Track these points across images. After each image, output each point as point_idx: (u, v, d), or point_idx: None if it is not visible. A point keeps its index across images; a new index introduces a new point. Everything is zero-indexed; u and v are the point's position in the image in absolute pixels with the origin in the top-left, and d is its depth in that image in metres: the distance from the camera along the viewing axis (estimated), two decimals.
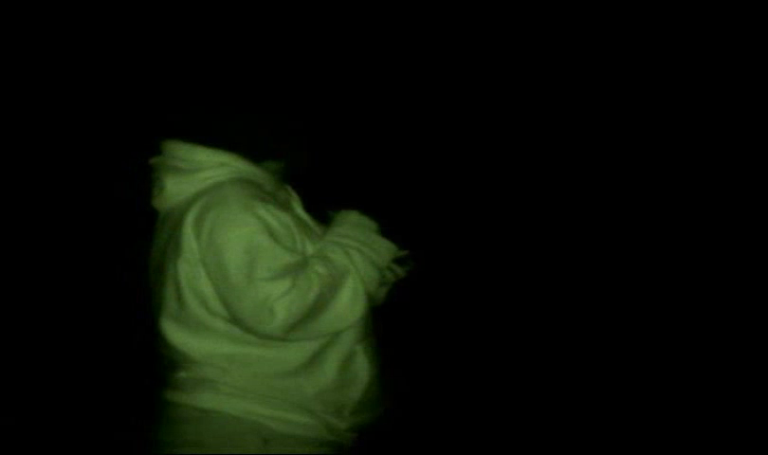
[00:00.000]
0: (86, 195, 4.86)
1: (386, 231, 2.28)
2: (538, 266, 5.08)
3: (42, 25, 4.85)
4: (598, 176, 5.12)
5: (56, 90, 4.91)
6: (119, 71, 4.78)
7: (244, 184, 2.18)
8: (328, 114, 2.38)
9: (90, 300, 4.70)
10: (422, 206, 4.78)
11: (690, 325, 4.71)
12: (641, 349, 4.68)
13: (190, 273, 2.13)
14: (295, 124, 2.28)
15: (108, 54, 4.81)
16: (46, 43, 4.86)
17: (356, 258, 2.18)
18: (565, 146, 5.18)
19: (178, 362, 2.20)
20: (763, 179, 4.86)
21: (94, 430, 4.07)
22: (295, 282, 2.07)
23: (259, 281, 2.06)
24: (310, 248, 2.19)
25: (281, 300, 2.05)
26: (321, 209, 2.37)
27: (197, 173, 2.20)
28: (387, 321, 2.37)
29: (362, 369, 2.21)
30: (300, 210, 2.32)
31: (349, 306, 2.14)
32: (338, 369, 2.18)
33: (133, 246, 2.51)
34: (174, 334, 2.17)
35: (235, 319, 2.12)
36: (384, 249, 2.23)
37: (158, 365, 2.27)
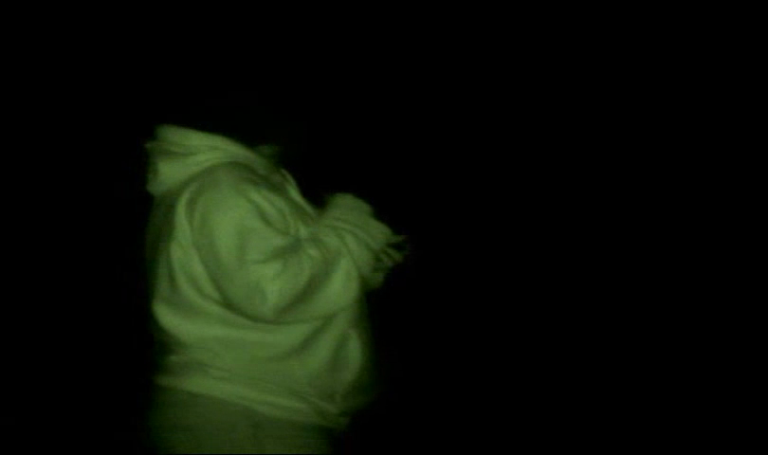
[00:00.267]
0: (86, 194, 4.86)
1: (382, 215, 2.26)
2: (532, 256, 5.09)
3: (41, 25, 4.86)
4: (588, 164, 5.13)
5: (56, 90, 4.91)
6: (119, 63, 4.78)
7: (236, 167, 2.17)
8: (324, 99, 2.37)
9: (90, 300, 4.70)
10: (419, 191, 4.80)
11: (690, 325, 4.69)
12: (627, 340, 4.69)
13: (182, 256, 2.13)
14: (289, 109, 2.27)
15: (106, 47, 4.81)
16: (46, 42, 4.87)
17: (350, 241, 2.16)
18: (557, 132, 5.19)
19: (170, 346, 2.18)
20: (763, 179, 4.84)
21: (94, 430, 4.05)
22: (286, 264, 2.05)
23: (250, 263, 2.05)
24: (304, 232, 2.18)
25: (272, 283, 2.04)
26: (319, 194, 2.35)
27: (190, 157, 2.19)
28: (383, 306, 2.34)
29: (355, 353, 2.19)
30: (295, 194, 2.30)
31: (341, 289, 2.13)
32: (330, 352, 2.16)
33: (133, 246, 2.49)
34: (166, 317, 2.16)
35: (227, 302, 2.10)
36: (378, 232, 2.22)
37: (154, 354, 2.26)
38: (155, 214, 2.27)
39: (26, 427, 4.11)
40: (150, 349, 2.28)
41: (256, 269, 2.04)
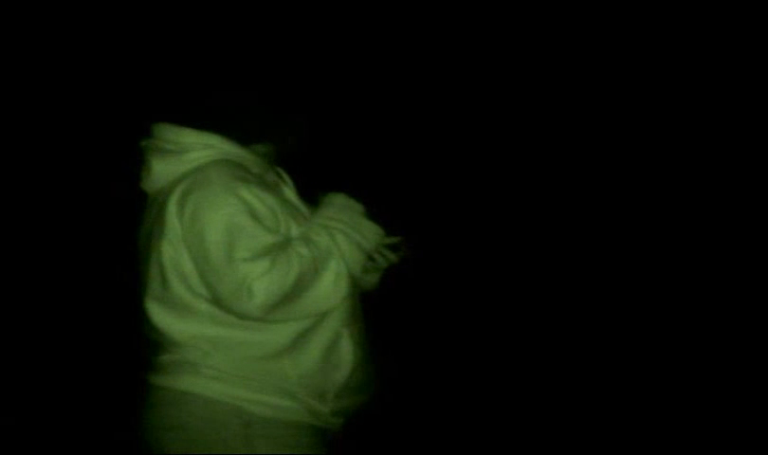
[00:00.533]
0: (83, 193, 4.86)
1: (377, 215, 2.24)
2: (527, 256, 5.09)
3: (41, 25, 4.86)
4: (586, 164, 5.12)
5: (55, 90, 4.91)
6: (117, 62, 4.79)
7: (228, 165, 2.16)
8: (319, 99, 2.36)
9: (90, 300, 4.70)
10: (414, 191, 4.80)
11: (690, 325, 4.67)
12: (627, 340, 4.68)
13: (173, 254, 2.12)
14: (285, 108, 2.26)
15: (105, 47, 4.82)
16: (45, 42, 4.88)
17: (341, 240, 2.15)
18: (553, 132, 5.18)
19: (162, 344, 2.18)
20: (763, 179, 4.83)
21: (94, 430, 4.04)
22: (274, 262, 2.04)
23: (239, 261, 2.04)
24: (295, 231, 2.16)
25: (259, 281, 2.03)
26: (314, 193, 2.34)
27: (184, 155, 2.19)
28: (378, 307, 2.32)
29: (347, 353, 2.17)
30: (290, 193, 2.29)
31: (331, 288, 2.11)
32: (321, 352, 2.15)
33: (129, 245, 2.48)
34: (158, 315, 2.16)
35: (216, 300, 2.09)
36: (370, 232, 2.20)
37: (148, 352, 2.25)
38: (148, 212, 2.26)
39: (26, 427, 4.11)
40: (146, 348, 2.27)
41: (244, 267, 2.03)
